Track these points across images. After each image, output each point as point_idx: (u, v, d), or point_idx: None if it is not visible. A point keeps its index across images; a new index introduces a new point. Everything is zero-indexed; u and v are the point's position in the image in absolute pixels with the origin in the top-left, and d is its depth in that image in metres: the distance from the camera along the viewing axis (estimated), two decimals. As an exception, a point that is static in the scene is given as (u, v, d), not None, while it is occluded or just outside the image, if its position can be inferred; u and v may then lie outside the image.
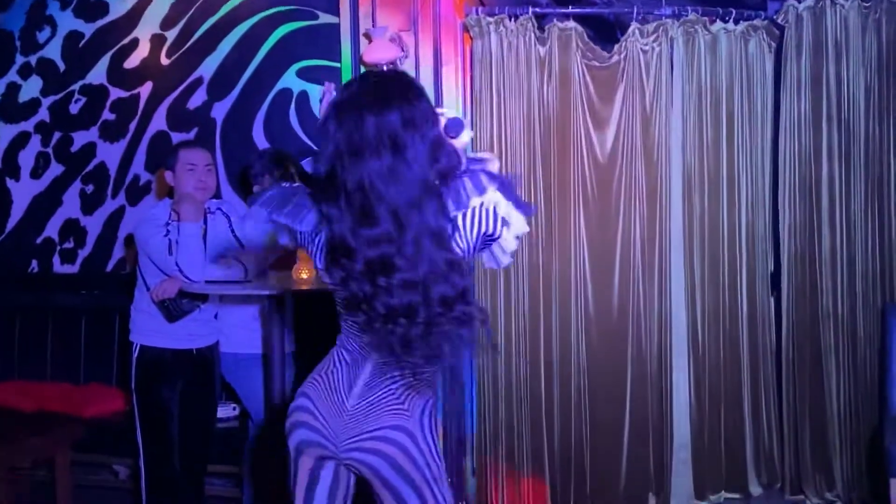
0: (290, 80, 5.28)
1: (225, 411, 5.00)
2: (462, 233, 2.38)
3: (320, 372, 2.51)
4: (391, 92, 2.33)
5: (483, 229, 2.40)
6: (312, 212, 2.39)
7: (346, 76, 4.98)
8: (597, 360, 4.95)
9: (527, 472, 4.93)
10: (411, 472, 2.45)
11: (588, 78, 4.92)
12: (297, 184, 2.49)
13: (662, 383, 4.95)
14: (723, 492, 5.03)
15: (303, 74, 5.25)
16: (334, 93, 3.43)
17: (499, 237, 2.44)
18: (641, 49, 4.90)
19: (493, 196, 2.37)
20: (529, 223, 2.49)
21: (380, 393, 2.44)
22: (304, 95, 5.25)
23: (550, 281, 4.91)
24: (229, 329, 4.51)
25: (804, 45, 4.86)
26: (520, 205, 2.42)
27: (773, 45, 4.99)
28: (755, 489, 5.08)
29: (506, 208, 2.39)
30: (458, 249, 2.38)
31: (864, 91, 4.81)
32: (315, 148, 5.22)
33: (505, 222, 2.41)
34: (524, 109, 4.90)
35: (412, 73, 4.82)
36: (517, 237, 2.47)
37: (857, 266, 4.83)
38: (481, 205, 2.37)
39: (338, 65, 5.06)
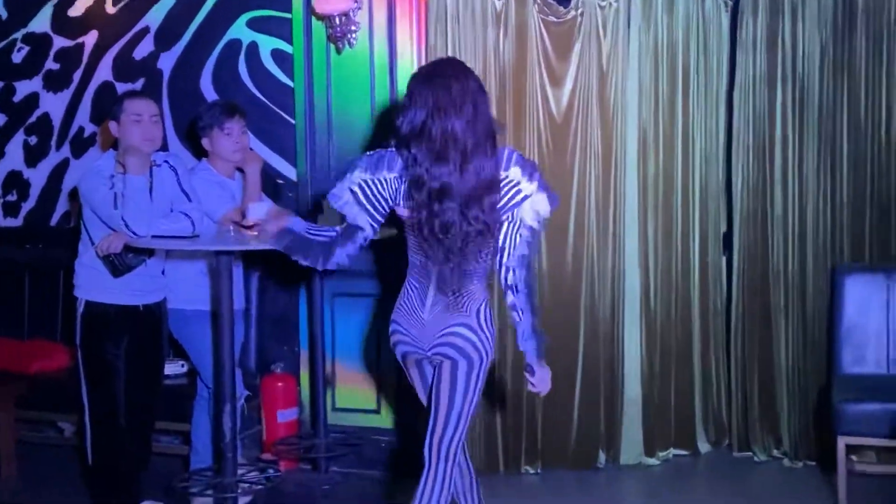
0: (239, 30, 5.14)
1: (172, 368, 4.93)
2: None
3: (400, 302, 3.27)
4: (464, 66, 3.20)
5: (507, 200, 3.11)
6: (398, 161, 3.12)
7: (297, 27, 4.88)
8: (549, 318, 4.89)
9: (477, 431, 4.91)
10: (471, 352, 3.18)
11: (545, 33, 4.86)
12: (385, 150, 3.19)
13: (614, 341, 4.96)
14: (671, 448, 5.08)
15: (253, 25, 5.12)
16: None
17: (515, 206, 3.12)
18: (599, 5, 4.85)
19: (515, 173, 3.11)
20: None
21: (444, 304, 3.18)
22: (253, 46, 5.12)
23: (504, 239, 4.87)
24: (177, 284, 4.42)
25: (760, 4, 4.85)
26: (546, 190, 3.14)
27: (730, 3, 4.98)
28: (703, 446, 5.14)
29: (530, 189, 3.11)
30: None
31: (819, 51, 4.81)
32: (265, 100, 5.12)
33: (525, 198, 3.12)
34: (480, 65, 4.81)
35: (365, 25, 4.75)
36: (538, 219, 3.15)
37: (808, 226, 4.86)
38: (507, 177, 3.10)
39: (288, 15, 4.95)
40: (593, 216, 4.90)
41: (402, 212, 3.19)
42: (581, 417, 4.96)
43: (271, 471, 4.57)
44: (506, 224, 3.15)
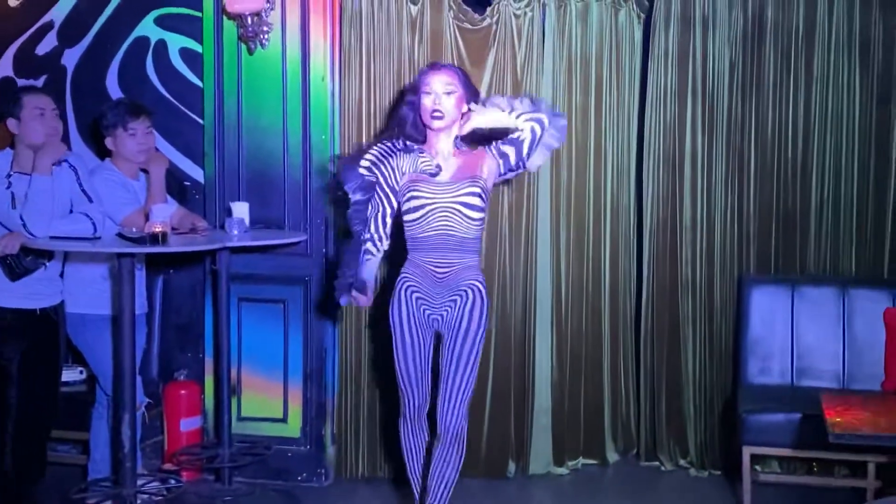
0: (147, 27, 5.01)
1: (71, 374, 4.77)
2: None
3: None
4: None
5: None
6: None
7: (208, 26, 4.77)
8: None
9: (388, 440, 4.86)
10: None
11: (460, 40, 4.84)
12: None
13: (525, 350, 4.95)
14: (581, 458, 5.09)
15: (161, 23, 4.99)
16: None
17: None
18: (514, 13, 4.85)
19: None
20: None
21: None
22: (162, 45, 4.99)
23: (416, 246, 4.83)
24: (76, 288, 4.29)
25: (672, 18, 4.91)
26: None
27: (643, 16, 5.02)
28: (612, 455, 5.16)
29: None
30: None
31: (728, 66, 4.88)
32: (173, 99, 4.99)
33: None
34: (394, 70, 4.79)
35: (278, 26, 4.67)
36: None
37: (716, 237, 4.93)
38: None
39: (199, 14, 4.84)
40: (506, 225, 4.89)
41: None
42: (491, 427, 4.94)
43: (173, 481, 4.46)
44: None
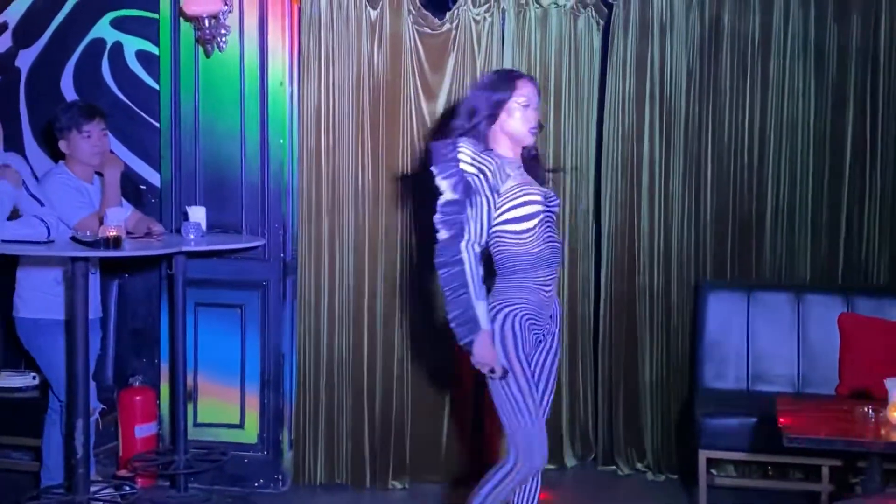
0: (103, 30, 4.95)
1: (23, 380, 4.71)
2: None
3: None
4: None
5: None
6: None
7: (165, 28, 4.73)
8: (420, 333, 4.90)
9: (346, 446, 4.85)
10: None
11: (420, 45, 4.85)
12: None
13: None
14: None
15: (118, 25, 4.94)
16: None
17: None
18: (473, 19, 4.86)
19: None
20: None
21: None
22: (118, 47, 4.94)
23: (376, 252, 4.83)
24: (28, 292, 4.23)
25: (631, 25, 4.93)
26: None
27: (602, 22, 5.04)
28: (570, 460, 5.17)
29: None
30: None
31: (685, 72, 4.92)
32: (128, 102, 4.95)
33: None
34: (353, 74, 4.78)
35: (236, 28, 4.64)
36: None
37: (673, 243, 4.96)
38: None
39: (155, 16, 4.80)
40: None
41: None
42: (451, 432, 4.94)
43: (127, 488, 4.42)
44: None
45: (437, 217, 3.35)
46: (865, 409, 3.75)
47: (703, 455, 4.44)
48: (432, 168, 3.35)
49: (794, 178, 4.92)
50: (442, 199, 3.34)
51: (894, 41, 4.83)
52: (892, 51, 4.83)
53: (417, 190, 4.85)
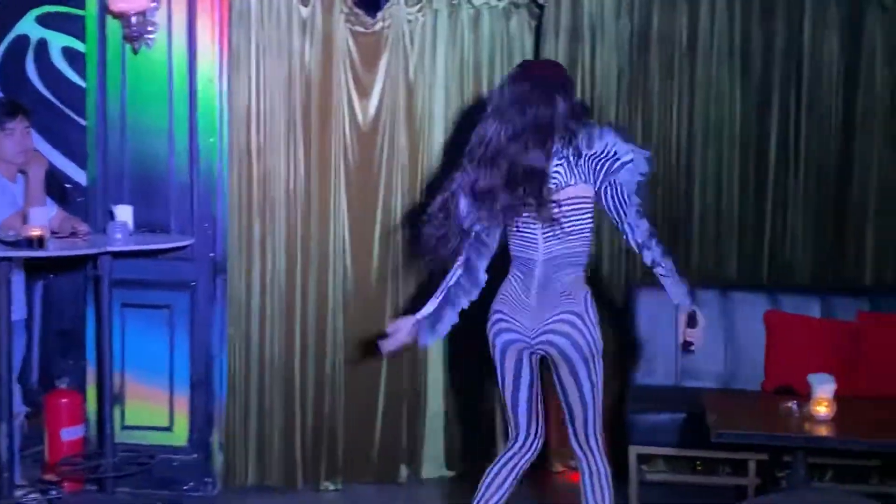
0: (28, 26, 4.86)
1: (-57, 384, 4.57)
2: None
3: (502, 292, 3.42)
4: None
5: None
6: None
7: (91, 24, 4.64)
8: (354, 333, 4.89)
9: (277, 447, 4.81)
10: (582, 345, 3.32)
11: (352, 43, 4.83)
12: None
13: (417, 354, 4.94)
14: (472, 461, 5.10)
15: (43, 21, 4.86)
16: None
17: None
18: (406, 18, 4.86)
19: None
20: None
21: (553, 288, 3.33)
22: (43, 43, 4.85)
23: (308, 251, 4.80)
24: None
25: (562, 26, 4.97)
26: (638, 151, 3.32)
27: (534, 23, 5.07)
28: (503, 459, 5.18)
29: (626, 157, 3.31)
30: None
31: (615, 74, 4.98)
32: (54, 99, 4.88)
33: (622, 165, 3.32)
34: (285, 72, 4.75)
35: (164, 25, 4.57)
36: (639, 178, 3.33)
37: (604, 243, 5.01)
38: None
39: (82, 12, 4.71)
40: (399, 229, 4.89)
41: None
42: (383, 431, 4.93)
43: (53, 492, 4.36)
44: (607, 192, 3.27)
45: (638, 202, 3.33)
46: (790, 405, 3.84)
47: (634, 451, 4.50)
48: (627, 144, 3.31)
49: (721, 179, 5.01)
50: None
51: (816, 44, 4.95)
52: (814, 53, 4.95)
53: (349, 185, 4.84)
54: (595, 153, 3.27)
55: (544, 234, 3.34)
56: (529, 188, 3.26)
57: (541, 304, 3.34)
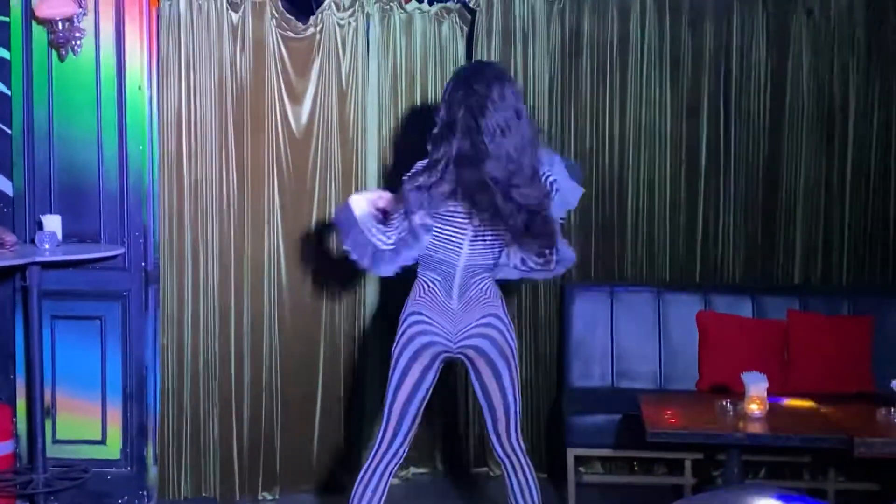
0: (-51, 32, 4.73)
1: None
2: None
3: (418, 295, 3.46)
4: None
5: None
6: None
7: (16, 31, 4.53)
8: (289, 341, 4.85)
9: (213, 459, 4.75)
10: (505, 349, 3.44)
11: (283, 49, 4.79)
12: None
13: (354, 362, 4.93)
14: (412, 467, 5.09)
15: (-35, 27, 4.73)
16: None
17: None
18: (338, 23, 4.84)
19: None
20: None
21: (473, 293, 3.42)
22: (-35, 51, 4.72)
23: (242, 259, 4.75)
24: None
25: (494, 31, 5.00)
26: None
27: (465, 28, 5.10)
28: (440, 465, 5.19)
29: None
30: None
31: (548, 79, 5.02)
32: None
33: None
34: (216, 79, 4.70)
35: (91, 32, 4.49)
36: None
37: (540, 246, 5.04)
38: None
39: (6, 19, 4.57)
40: (334, 237, 4.86)
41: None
42: (321, 440, 4.90)
43: (-19, 510, 4.20)
44: None
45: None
46: (724, 403, 3.90)
47: (571, 453, 4.54)
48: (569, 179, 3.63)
49: (653, 182, 5.08)
50: None
51: (744, 50, 5.05)
52: (742, 59, 5.05)
53: (282, 193, 4.80)
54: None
55: (471, 241, 3.41)
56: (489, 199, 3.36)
57: (464, 308, 3.42)
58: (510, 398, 3.48)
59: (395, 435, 3.50)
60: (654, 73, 5.04)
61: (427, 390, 3.51)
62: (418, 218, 3.39)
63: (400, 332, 3.48)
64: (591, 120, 5.04)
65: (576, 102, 5.01)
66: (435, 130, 3.43)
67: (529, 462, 3.56)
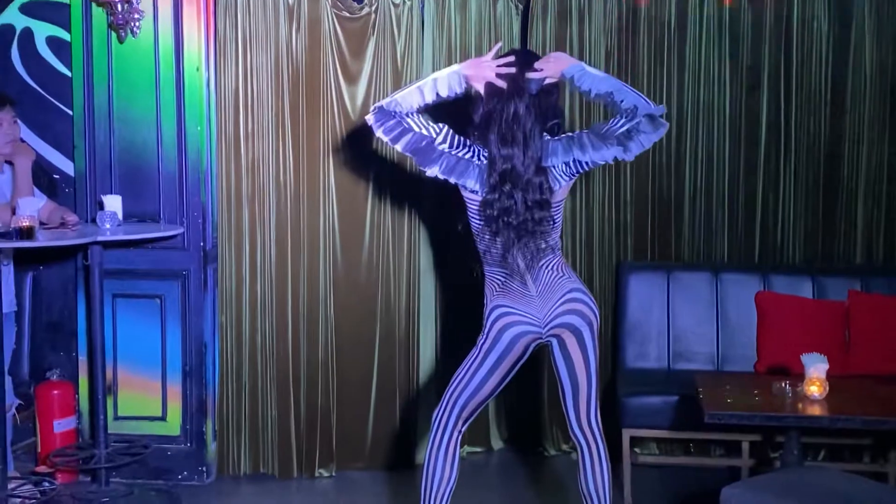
0: (12, 15, 4.80)
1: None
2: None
3: (494, 292, 3.43)
4: None
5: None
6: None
7: (76, 13, 4.61)
8: (345, 319, 4.88)
9: (271, 435, 4.80)
10: (592, 320, 3.42)
11: (339, 29, 4.80)
12: None
13: (409, 342, 4.94)
14: (466, 447, 5.11)
15: (27, 10, 4.80)
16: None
17: None
18: (393, 2, 4.83)
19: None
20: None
21: (545, 276, 3.39)
22: (28, 33, 4.79)
23: (299, 238, 4.78)
24: (-62, 287, 4.10)
25: (549, 8, 4.96)
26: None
27: (521, 7, 5.06)
28: (497, 443, 5.20)
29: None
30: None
31: (604, 56, 4.97)
32: (40, 89, 4.80)
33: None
34: (272, 60, 4.72)
35: (150, 13, 4.54)
36: None
37: (595, 226, 5.02)
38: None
39: (67, 1, 4.66)
40: (389, 215, 4.88)
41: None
42: (377, 418, 4.93)
43: (46, 484, 4.33)
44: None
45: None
46: (783, 385, 3.85)
47: (627, 434, 4.51)
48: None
49: (711, 161, 5.01)
50: None
51: (806, 25, 4.94)
52: (804, 35, 4.95)
53: (339, 174, 4.82)
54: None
55: None
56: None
57: (543, 292, 3.39)
58: (594, 375, 3.45)
59: (460, 418, 3.52)
60: (713, 49, 4.97)
61: (501, 383, 3.50)
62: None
63: (489, 326, 3.43)
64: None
65: (632, 80, 4.93)
66: None
67: (604, 443, 3.52)
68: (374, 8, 4.82)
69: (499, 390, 3.53)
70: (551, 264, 3.43)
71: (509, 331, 3.40)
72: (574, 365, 3.44)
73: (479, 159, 3.44)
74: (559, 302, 3.39)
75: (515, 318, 3.40)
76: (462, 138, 3.48)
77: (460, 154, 3.45)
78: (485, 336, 3.45)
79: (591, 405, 3.47)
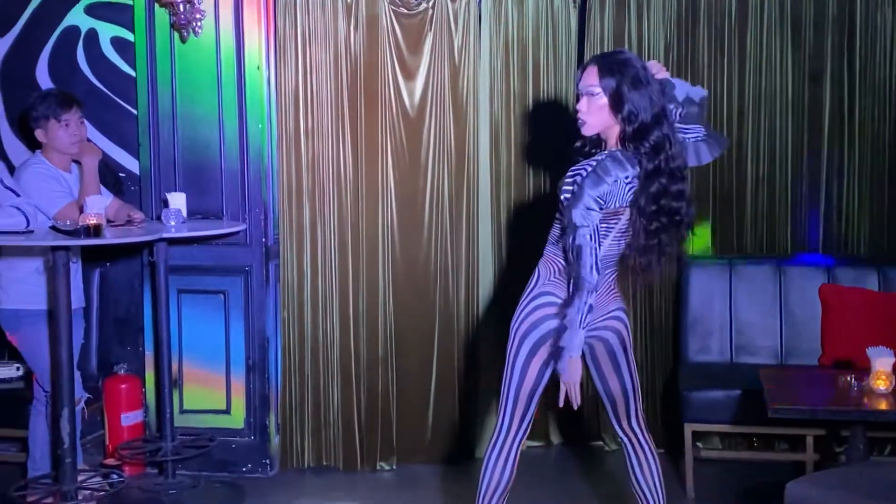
0: (77, 16, 4.91)
1: (6, 371, 4.68)
2: None
3: (552, 275, 3.27)
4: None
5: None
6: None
7: (139, 14, 4.69)
8: (404, 314, 4.91)
9: (333, 428, 4.85)
10: (626, 341, 3.37)
11: (396, 26, 4.82)
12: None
13: (469, 334, 4.96)
14: (526, 440, 5.09)
15: (92, 11, 4.90)
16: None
17: None
18: (450, -2, 4.85)
19: None
20: None
21: (604, 286, 3.22)
22: (93, 34, 4.89)
23: (358, 234, 4.82)
24: (9, 283, 4.21)
25: (608, 1, 4.93)
26: None
27: (578, 0, 5.03)
28: (556, 437, 5.19)
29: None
30: None
31: (663, 48, 4.93)
32: (105, 89, 4.92)
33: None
34: (331, 57, 4.76)
35: (211, 13, 4.61)
36: None
37: (655, 219, 4.97)
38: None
39: (130, 2, 4.75)
40: (447, 211, 4.89)
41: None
42: (436, 412, 4.95)
43: (115, 476, 4.41)
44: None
45: None
46: (848, 379, 3.79)
47: (689, 428, 4.48)
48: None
49: (773, 151, 4.95)
50: None
51: (869, 12, 4.86)
52: (867, 22, 4.86)
53: (397, 169, 4.85)
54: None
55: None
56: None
57: (598, 300, 3.17)
58: (628, 386, 3.40)
59: (522, 418, 3.40)
60: (774, 39, 4.90)
61: (548, 376, 3.41)
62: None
63: (527, 311, 3.30)
64: (708, 89, 4.84)
65: (693, 72, 4.89)
66: None
67: (651, 440, 3.49)
68: (431, 4, 4.83)
69: (545, 383, 3.34)
70: (612, 276, 3.30)
71: (546, 323, 3.23)
72: (606, 378, 3.40)
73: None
74: (605, 315, 3.29)
75: (558, 311, 3.23)
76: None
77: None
78: (519, 320, 3.32)
79: (630, 410, 3.42)
